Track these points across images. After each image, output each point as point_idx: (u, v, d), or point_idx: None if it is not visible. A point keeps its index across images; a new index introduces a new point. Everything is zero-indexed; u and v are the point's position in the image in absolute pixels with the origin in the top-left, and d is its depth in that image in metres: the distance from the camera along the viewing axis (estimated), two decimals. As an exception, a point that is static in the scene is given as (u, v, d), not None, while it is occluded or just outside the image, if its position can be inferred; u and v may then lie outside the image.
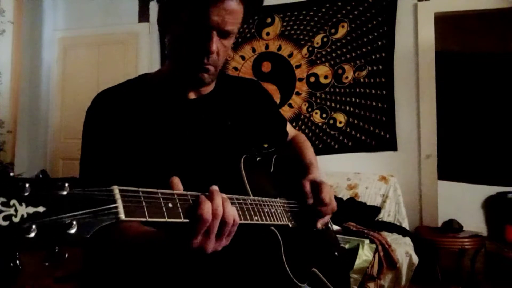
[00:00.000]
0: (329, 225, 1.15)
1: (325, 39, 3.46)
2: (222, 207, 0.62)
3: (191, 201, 0.61)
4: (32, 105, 4.17)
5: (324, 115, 3.45)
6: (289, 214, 0.92)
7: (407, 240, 2.60)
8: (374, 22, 3.34)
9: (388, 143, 3.29)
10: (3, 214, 0.38)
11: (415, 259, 2.41)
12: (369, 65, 3.34)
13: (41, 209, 0.40)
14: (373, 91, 3.33)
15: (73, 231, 0.42)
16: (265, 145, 1.06)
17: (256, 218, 0.77)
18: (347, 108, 3.39)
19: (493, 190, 3.61)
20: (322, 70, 3.46)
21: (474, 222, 3.47)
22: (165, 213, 0.56)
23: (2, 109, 3.65)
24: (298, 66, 3.52)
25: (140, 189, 0.55)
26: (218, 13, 0.79)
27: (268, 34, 3.59)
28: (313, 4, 3.48)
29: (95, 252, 0.87)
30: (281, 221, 0.86)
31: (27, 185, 0.40)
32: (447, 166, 3.49)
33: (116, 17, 4.00)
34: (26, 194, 0.39)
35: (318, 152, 3.20)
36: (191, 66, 0.85)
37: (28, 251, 0.38)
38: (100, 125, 0.86)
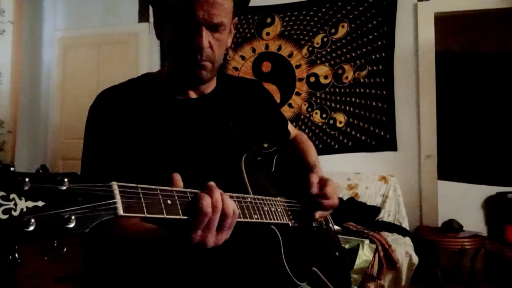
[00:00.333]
0: (330, 224, 1.15)
1: (325, 39, 3.46)
2: (221, 200, 0.63)
3: (190, 198, 0.61)
4: (32, 105, 4.17)
5: (324, 115, 3.45)
6: (289, 213, 0.92)
7: (407, 240, 2.60)
8: (374, 22, 3.34)
9: (388, 143, 3.29)
10: (2, 208, 0.38)
11: (415, 259, 2.41)
12: (369, 65, 3.35)
13: (40, 203, 0.40)
14: (373, 91, 3.34)
15: (71, 225, 0.42)
16: (266, 145, 1.06)
17: (255, 216, 0.77)
18: (347, 108, 3.39)
19: (493, 190, 3.61)
20: (322, 70, 3.47)
21: (474, 222, 3.47)
22: (164, 210, 0.57)
23: (2, 109, 3.65)
24: (298, 66, 3.52)
25: (139, 185, 0.55)
26: (203, 8, 0.79)
27: (268, 34, 3.60)
28: (313, 4, 3.48)
29: (96, 250, 0.87)
30: (281, 220, 0.86)
31: (26, 179, 0.40)
32: (447, 166, 3.49)
33: (116, 17, 4.00)
34: (26, 188, 0.40)
35: (318, 152, 3.17)
36: (187, 65, 0.86)
37: (27, 244, 0.38)
38: (102, 123, 0.87)
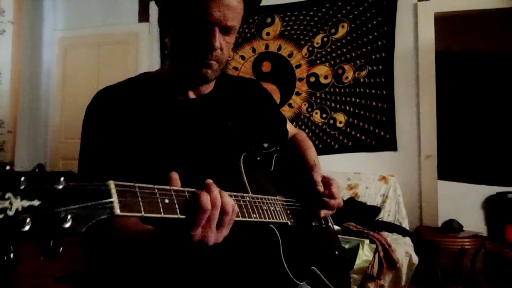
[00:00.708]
0: (330, 224, 1.14)
1: (325, 39, 3.46)
2: (220, 196, 0.63)
3: (187, 196, 0.61)
4: (32, 105, 4.17)
5: (324, 115, 3.45)
6: (288, 212, 0.92)
7: (407, 240, 2.59)
8: (374, 22, 3.34)
9: (388, 143, 3.29)
10: (-2, 207, 0.37)
11: (415, 259, 2.41)
12: (369, 65, 3.34)
13: (36, 202, 0.40)
14: (373, 91, 3.33)
15: (67, 224, 0.42)
16: (265, 145, 1.06)
17: (254, 215, 0.77)
18: (347, 108, 3.39)
19: (493, 190, 3.60)
20: (322, 70, 3.46)
21: (474, 222, 3.46)
22: (162, 209, 0.56)
23: (2, 109, 3.66)
24: (298, 66, 3.52)
25: (137, 184, 0.54)
26: (219, 9, 0.80)
27: (268, 34, 3.59)
28: (313, 4, 3.48)
29: (95, 249, 0.87)
30: (280, 219, 0.86)
31: (22, 178, 0.40)
32: (447, 166, 3.49)
33: (116, 17, 4.00)
34: (22, 187, 0.39)
35: (318, 152, 3.17)
36: (194, 63, 0.86)
37: (23, 243, 0.38)
38: (100, 122, 0.86)
